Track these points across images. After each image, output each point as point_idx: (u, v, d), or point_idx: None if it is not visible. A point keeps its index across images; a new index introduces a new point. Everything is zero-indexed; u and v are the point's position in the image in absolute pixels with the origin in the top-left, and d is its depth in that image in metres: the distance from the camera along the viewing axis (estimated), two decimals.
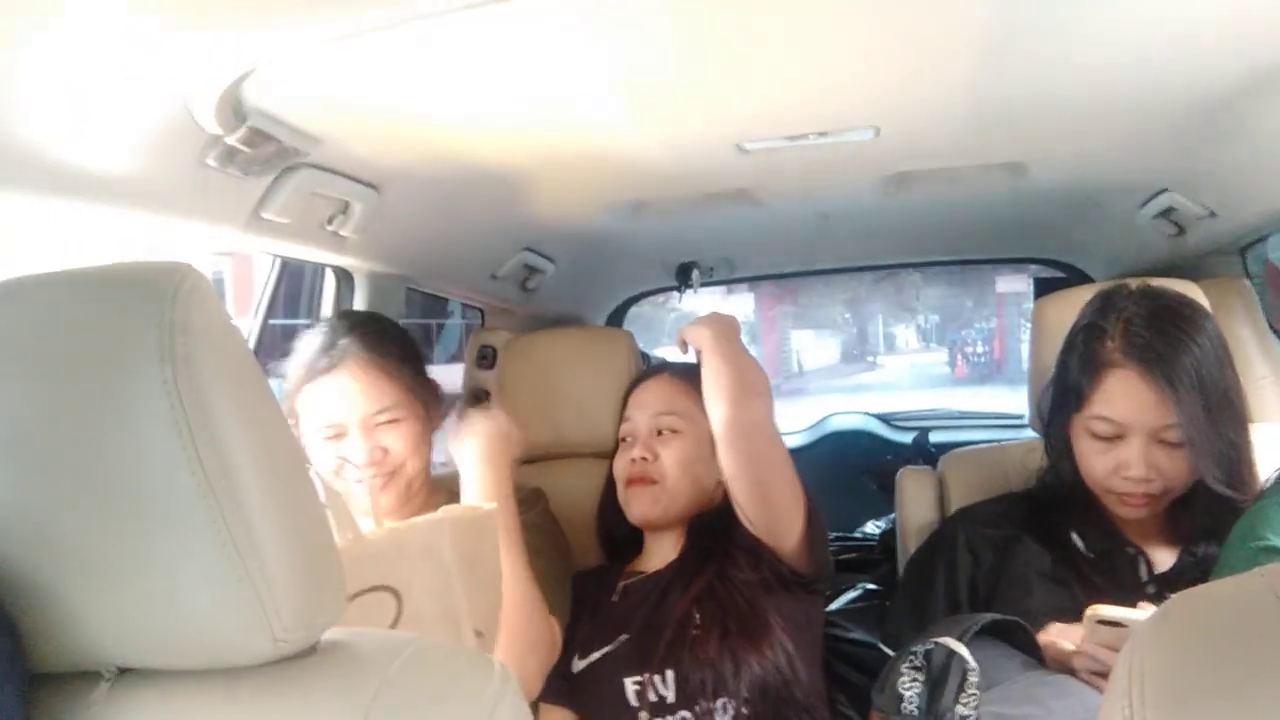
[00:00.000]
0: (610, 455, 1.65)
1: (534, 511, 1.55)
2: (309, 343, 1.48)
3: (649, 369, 1.66)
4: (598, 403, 1.78)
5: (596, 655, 1.42)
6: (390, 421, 1.44)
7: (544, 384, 1.83)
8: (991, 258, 2.99)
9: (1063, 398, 1.36)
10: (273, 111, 1.12)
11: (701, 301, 2.83)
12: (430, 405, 1.54)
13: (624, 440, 1.58)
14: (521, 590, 1.35)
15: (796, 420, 3.62)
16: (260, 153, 1.17)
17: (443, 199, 1.65)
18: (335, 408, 1.42)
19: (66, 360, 0.65)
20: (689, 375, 1.57)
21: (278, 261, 1.88)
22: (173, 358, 0.62)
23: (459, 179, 1.56)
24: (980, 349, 14.03)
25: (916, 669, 1.12)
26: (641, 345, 1.95)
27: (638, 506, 1.52)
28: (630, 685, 1.36)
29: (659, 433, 1.53)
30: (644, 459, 1.51)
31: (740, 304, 11.01)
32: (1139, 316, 1.28)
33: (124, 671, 0.68)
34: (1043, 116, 1.46)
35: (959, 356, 13.97)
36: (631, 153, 1.52)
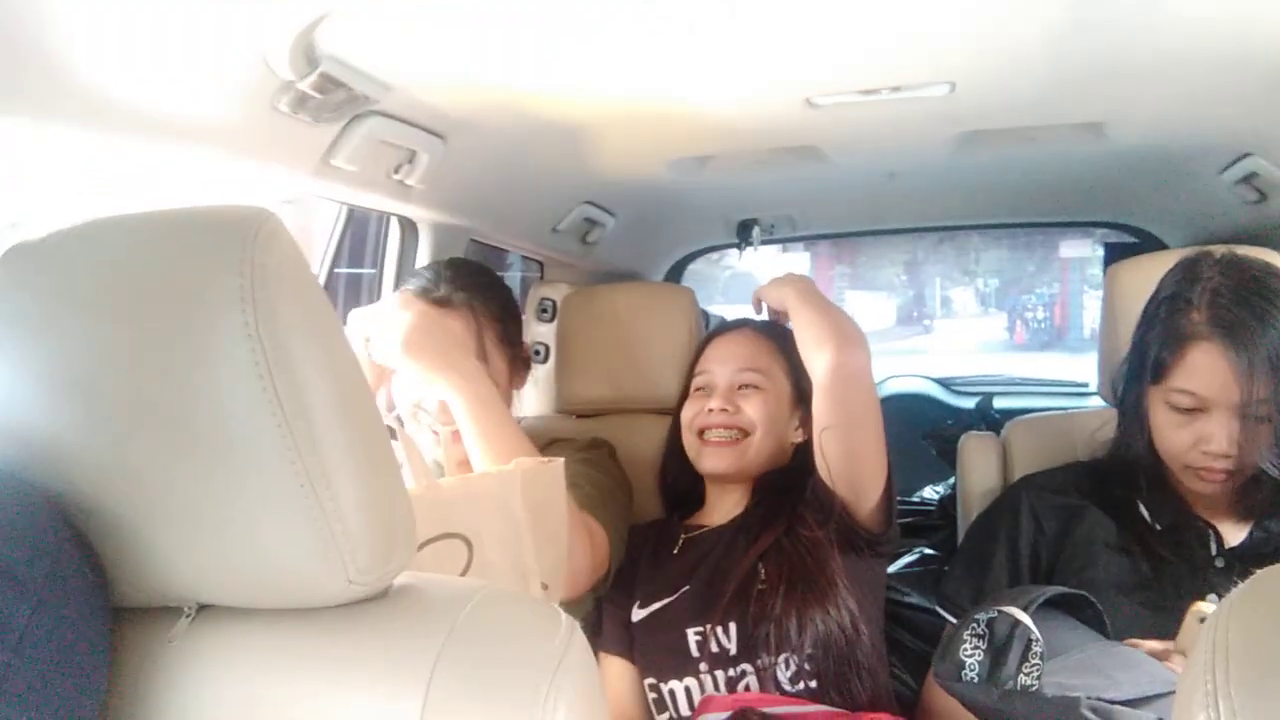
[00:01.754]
0: (670, 411, 1.64)
1: (596, 452, 1.56)
2: (416, 283, 1.49)
3: (728, 323, 1.64)
4: (658, 358, 1.77)
5: (657, 605, 1.43)
6: None
7: (604, 338, 1.83)
8: (1062, 221, 2.91)
9: (1140, 368, 1.32)
10: (344, 57, 1.12)
11: (757, 260, 2.80)
12: (513, 361, 1.54)
13: (699, 390, 1.56)
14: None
15: None
16: (331, 99, 1.17)
17: (507, 150, 1.64)
18: None
19: (148, 301, 0.65)
20: (771, 332, 1.55)
21: (344, 211, 1.89)
22: (253, 300, 0.62)
23: (523, 130, 1.55)
24: (1041, 315, 13.76)
25: (979, 637, 1.11)
26: None
27: (714, 458, 1.50)
28: (692, 635, 1.36)
29: (740, 388, 1.52)
30: (724, 410, 1.49)
31: (796, 263, 10.88)
32: (1225, 287, 1.24)
33: (203, 608, 0.69)
34: (1124, 74, 1.41)
35: (1018, 322, 13.72)
36: (698, 106, 1.50)
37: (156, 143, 1.10)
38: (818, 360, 1.38)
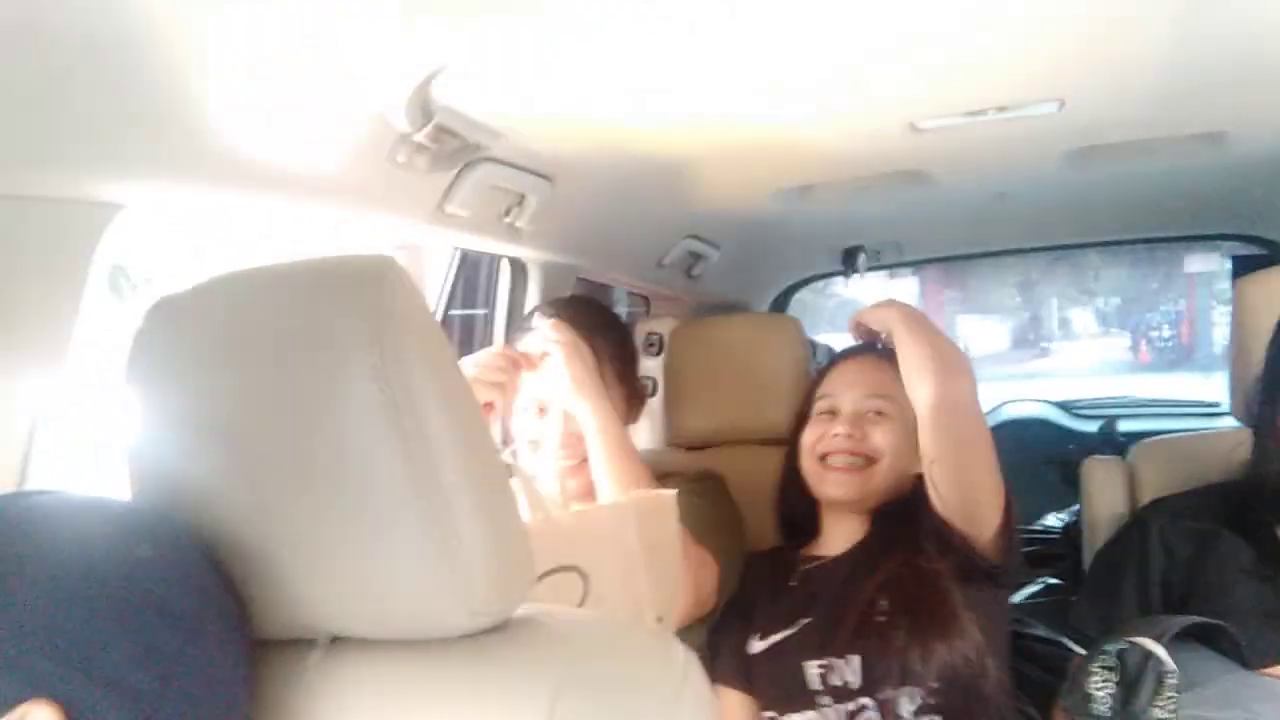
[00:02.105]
0: (780, 441, 1.64)
1: (706, 484, 1.56)
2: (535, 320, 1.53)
3: (854, 347, 1.59)
4: (766, 388, 1.77)
5: (777, 638, 1.41)
6: None
7: (712, 370, 1.84)
8: (1184, 235, 2.81)
9: (1275, 386, 1.27)
10: (457, 108, 1.17)
11: (864, 288, 2.77)
12: (630, 398, 1.57)
13: (822, 414, 1.53)
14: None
15: None
16: (445, 148, 1.22)
17: (611, 188, 1.68)
18: (540, 384, 1.46)
19: (283, 348, 0.69)
20: (895, 359, 1.54)
21: (457, 254, 1.96)
22: (381, 345, 0.65)
23: (627, 168, 1.59)
24: (1167, 333, 13.17)
25: (1109, 669, 1.07)
26: None
27: (838, 485, 1.47)
28: (814, 669, 1.35)
29: (867, 414, 1.48)
30: (850, 436, 1.46)
31: (904, 289, 10.70)
32: None
33: (335, 640, 0.72)
34: (1245, 81, 1.36)
35: (1143, 341, 13.17)
36: (799, 136, 1.50)
37: (283, 199, 1.16)
38: (920, 391, 1.36)
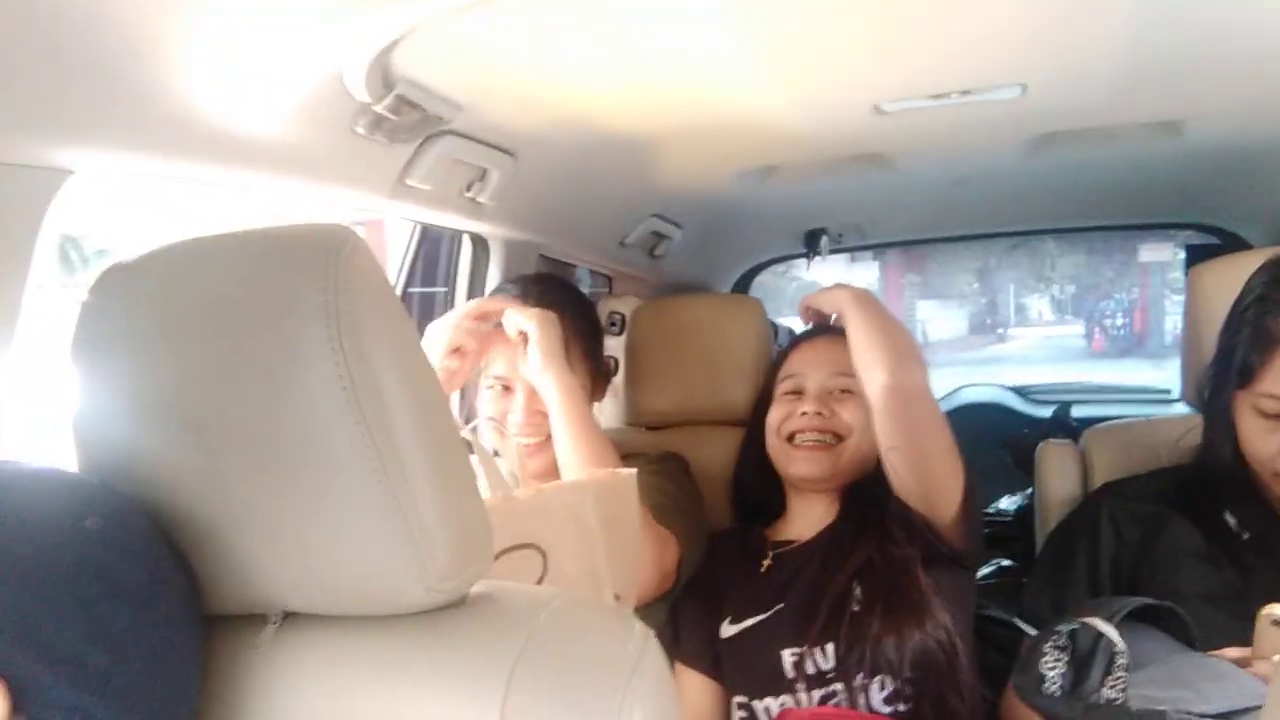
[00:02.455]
0: (740, 422, 1.64)
1: (668, 464, 1.56)
2: (504, 296, 1.53)
3: (819, 327, 1.60)
4: (728, 369, 1.77)
5: (750, 622, 1.41)
6: None
7: (673, 350, 1.84)
8: (1141, 223, 2.85)
9: (1226, 373, 1.28)
10: (419, 79, 1.15)
11: (825, 271, 2.78)
12: (594, 376, 1.56)
13: (787, 394, 1.53)
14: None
15: None
16: (406, 120, 1.20)
17: (575, 166, 1.66)
18: (506, 363, 1.46)
19: (237, 318, 0.68)
20: None
21: (417, 229, 1.93)
22: (337, 314, 0.64)
23: (592, 145, 1.57)
24: (1120, 321, 13.40)
25: (1060, 649, 1.09)
26: None
27: (807, 463, 1.47)
28: (788, 656, 1.35)
29: (833, 392, 1.49)
30: (819, 414, 1.47)
31: (864, 273, 10.79)
32: None
33: (289, 615, 0.71)
34: (1202, 71, 1.38)
35: (1097, 329, 13.39)
36: (764, 115, 1.50)
37: (239, 168, 1.14)
38: (873, 377, 1.36)
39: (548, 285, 1.56)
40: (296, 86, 1.03)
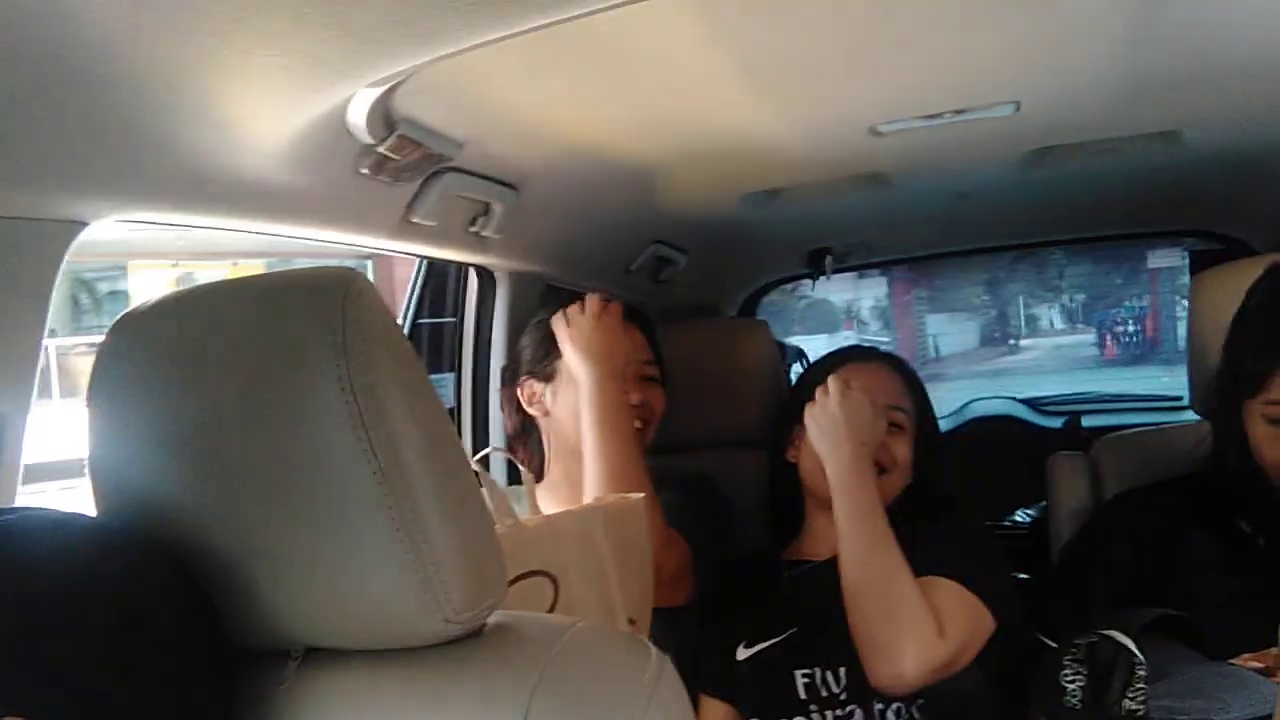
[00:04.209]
0: (752, 443, 1.65)
1: (694, 482, 1.59)
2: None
3: (859, 349, 1.61)
4: (738, 392, 1.79)
5: (764, 645, 1.41)
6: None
7: (683, 375, 1.85)
8: (1143, 231, 2.86)
9: (1234, 381, 1.29)
10: (420, 118, 1.17)
11: (834, 287, 2.79)
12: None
13: None
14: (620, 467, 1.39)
15: (937, 406, 3.51)
16: (408, 159, 1.22)
17: (577, 196, 1.68)
18: None
19: (250, 360, 0.70)
20: (904, 369, 1.55)
21: (423, 263, 1.95)
22: (347, 354, 0.66)
23: (593, 175, 1.59)
24: (1131, 328, 13.33)
25: (1080, 662, 1.09)
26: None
27: None
28: (800, 677, 1.35)
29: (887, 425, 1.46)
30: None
31: (872, 288, 10.78)
32: None
33: (311, 650, 0.73)
34: (1197, 81, 1.39)
35: (1108, 337, 13.33)
36: (763, 140, 1.52)
37: (247, 214, 1.16)
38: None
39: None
40: (301, 131, 1.05)
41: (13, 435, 0.93)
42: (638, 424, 1.52)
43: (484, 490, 1.17)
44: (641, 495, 1.22)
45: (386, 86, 1.01)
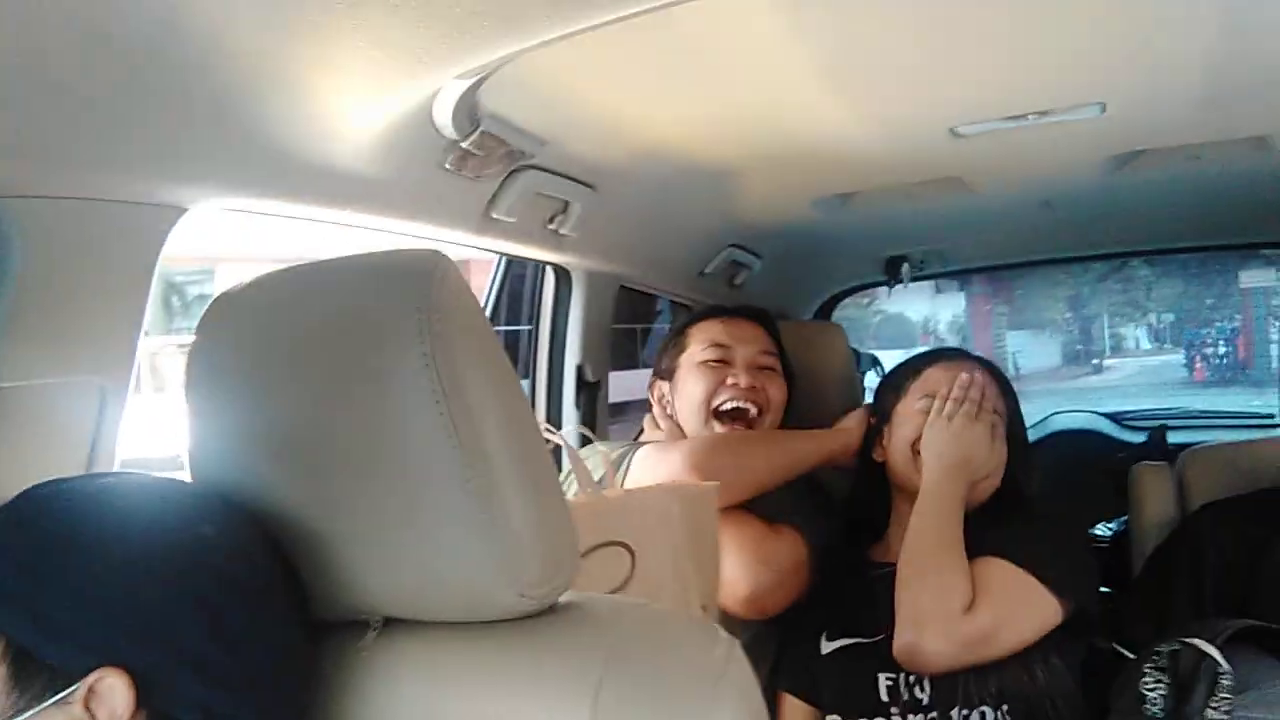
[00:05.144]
0: None
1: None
2: None
3: (949, 350, 1.60)
4: (813, 394, 1.78)
5: (849, 641, 1.40)
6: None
7: None
8: (1234, 243, 2.76)
9: None
10: (503, 115, 1.20)
11: (910, 301, 2.76)
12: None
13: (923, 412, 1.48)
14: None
15: None
16: (491, 156, 1.25)
17: (654, 197, 1.70)
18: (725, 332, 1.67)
19: (338, 340, 0.72)
20: (995, 370, 1.52)
21: (502, 264, 1.99)
22: (430, 334, 0.68)
23: (670, 176, 1.61)
24: (1222, 349, 12.89)
25: (1161, 670, 1.06)
26: None
27: None
28: (884, 680, 1.33)
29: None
30: None
31: (949, 303, 10.61)
32: None
33: (389, 621, 0.75)
34: None
35: (1197, 357, 12.90)
36: (840, 142, 1.51)
37: (337, 205, 1.20)
38: None
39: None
40: (390, 124, 1.08)
41: (113, 408, 0.97)
42: (752, 409, 1.58)
43: (571, 463, 1.23)
44: (715, 485, 1.23)
45: (473, 80, 1.03)
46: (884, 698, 1.32)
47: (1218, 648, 1.05)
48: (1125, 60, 1.26)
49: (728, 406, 1.58)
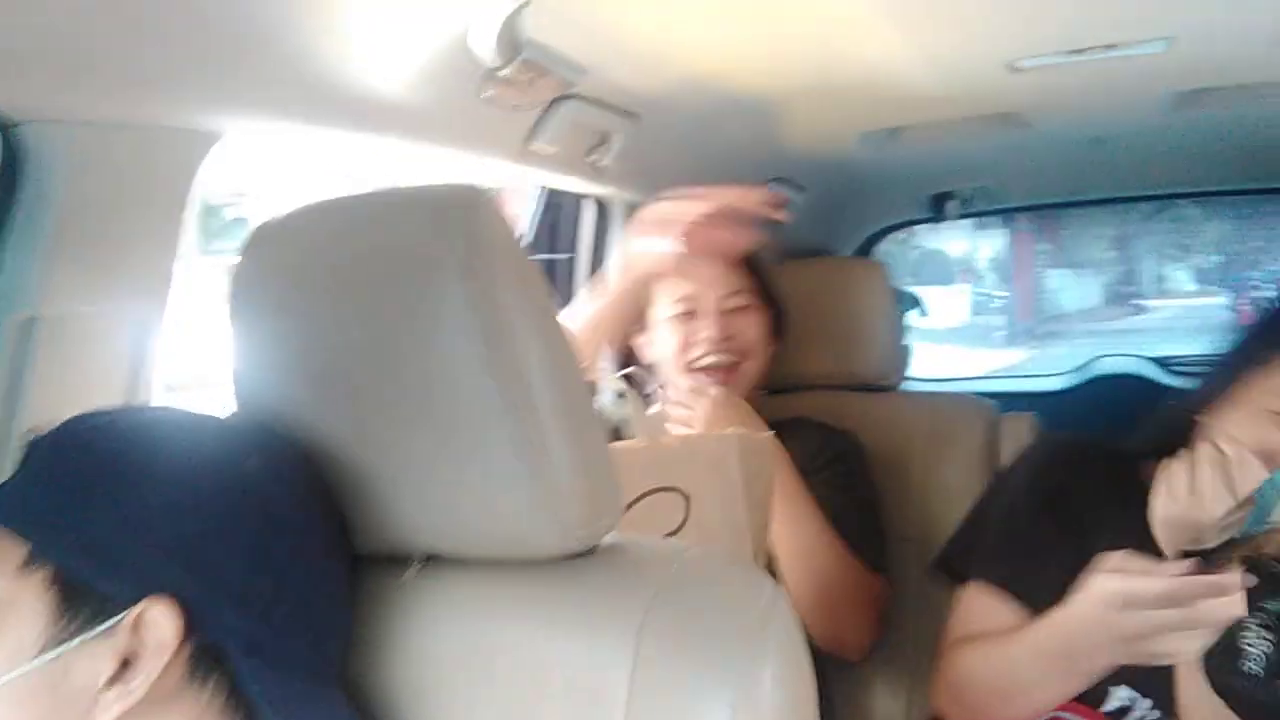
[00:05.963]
0: (864, 386, 1.61)
1: (843, 466, 1.53)
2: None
3: None
4: (851, 333, 1.75)
5: None
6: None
7: (795, 314, 1.82)
8: None
9: None
10: (545, 42, 1.16)
11: (950, 239, 2.70)
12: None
13: None
14: (809, 542, 1.36)
15: (1055, 364, 3.38)
16: (532, 84, 1.22)
17: (698, 128, 1.66)
18: (694, 281, 1.52)
19: (379, 273, 0.71)
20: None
21: (540, 199, 1.96)
22: (473, 271, 0.66)
23: (715, 107, 1.57)
24: (1271, 293, 12.60)
25: (1266, 628, 0.99)
26: None
27: None
28: (1117, 697, 1.18)
29: None
30: None
31: (991, 239, 10.43)
32: None
33: (430, 558, 0.74)
34: None
35: (1244, 300, 12.64)
36: (892, 74, 1.46)
37: (371, 132, 1.18)
38: None
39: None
40: (427, 51, 1.05)
41: (150, 338, 0.97)
42: (727, 360, 1.50)
43: (630, 406, 1.23)
44: (770, 434, 1.22)
45: (514, 7, 1.00)
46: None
47: None
48: None
49: (702, 363, 1.50)
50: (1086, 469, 1.22)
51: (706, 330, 1.50)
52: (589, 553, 0.73)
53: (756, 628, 0.68)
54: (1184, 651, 0.92)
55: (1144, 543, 1.10)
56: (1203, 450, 1.09)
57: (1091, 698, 1.08)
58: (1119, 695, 1.12)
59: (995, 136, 1.88)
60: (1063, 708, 1.07)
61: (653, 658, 0.65)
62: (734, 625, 0.68)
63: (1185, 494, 1.08)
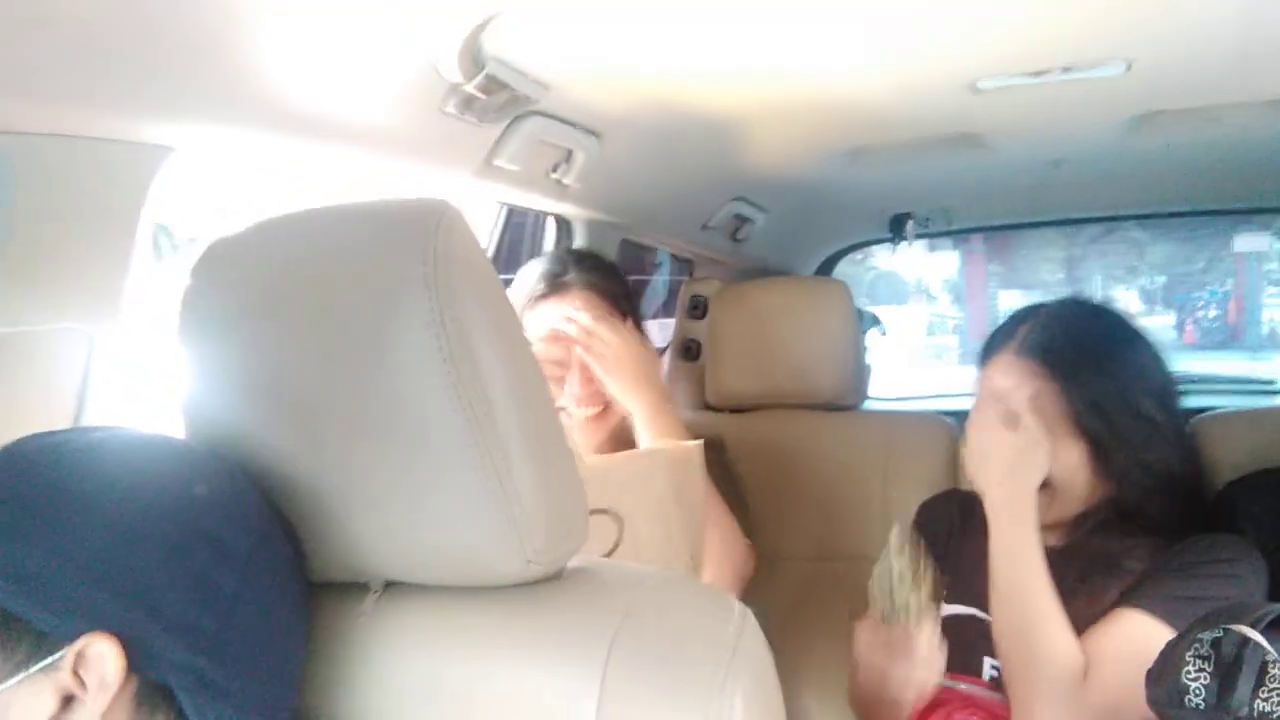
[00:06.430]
0: (823, 406, 1.61)
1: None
2: (531, 270, 1.52)
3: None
4: (812, 353, 1.75)
5: (962, 611, 1.30)
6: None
7: (755, 333, 1.82)
8: (1243, 208, 2.72)
9: None
10: (508, 59, 1.15)
11: (905, 259, 2.72)
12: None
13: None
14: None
15: None
16: (495, 100, 1.20)
17: (660, 147, 1.65)
18: (561, 350, 1.45)
19: (338, 291, 0.68)
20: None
21: (500, 218, 1.94)
22: (436, 287, 0.64)
23: (677, 127, 1.56)
24: (1213, 313, 12.89)
25: (1203, 659, 1.00)
26: None
27: None
28: (989, 665, 1.25)
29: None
30: None
31: (944, 261, 10.56)
32: None
33: (390, 585, 0.72)
34: None
35: (1188, 321, 12.91)
36: (854, 95, 1.47)
37: (331, 147, 1.15)
38: None
39: (583, 254, 1.56)
40: (389, 67, 1.03)
41: (102, 357, 0.94)
42: (594, 411, 1.46)
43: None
44: (699, 443, 1.21)
45: (478, 22, 0.99)
46: (988, 675, 1.25)
47: (1260, 632, 1.01)
48: (1155, 16, 1.21)
49: (578, 416, 1.46)
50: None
51: (574, 386, 1.46)
52: (554, 577, 0.71)
53: (725, 652, 0.66)
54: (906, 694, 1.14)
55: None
56: None
57: (971, 668, 1.26)
58: (989, 665, 1.26)
59: (955, 157, 1.90)
60: (951, 677, 1.22)
61: (620, 686, 0.64)
62: (703, 650, 0.66)
63: None
